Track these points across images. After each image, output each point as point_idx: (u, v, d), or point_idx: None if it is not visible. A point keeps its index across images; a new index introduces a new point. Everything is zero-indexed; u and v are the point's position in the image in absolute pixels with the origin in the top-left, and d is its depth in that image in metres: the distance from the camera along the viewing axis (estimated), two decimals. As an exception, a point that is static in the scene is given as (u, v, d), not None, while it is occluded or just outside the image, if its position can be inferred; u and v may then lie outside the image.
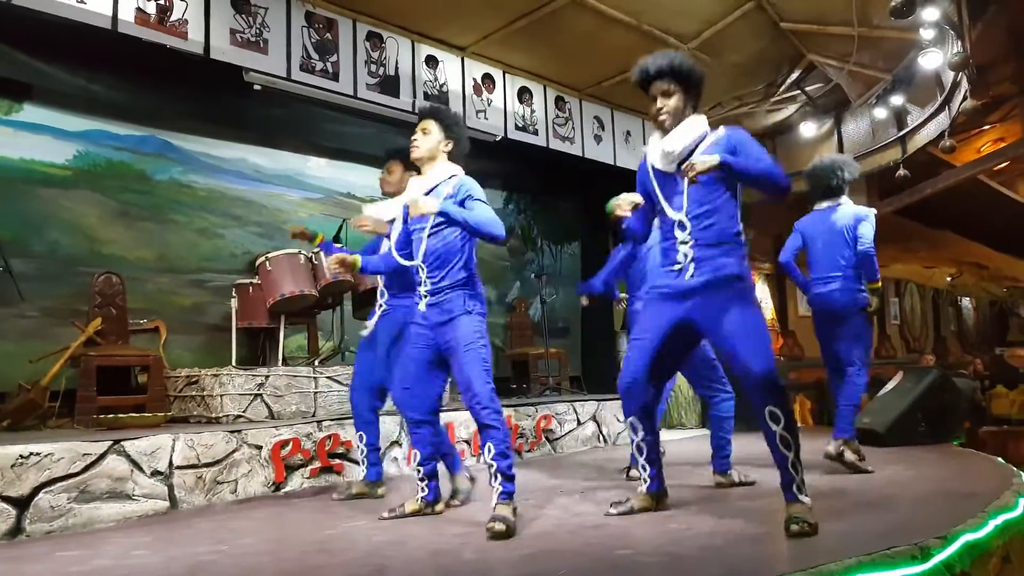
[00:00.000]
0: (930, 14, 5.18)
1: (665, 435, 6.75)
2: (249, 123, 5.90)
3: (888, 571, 2.26)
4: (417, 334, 3.31)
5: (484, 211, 3.15)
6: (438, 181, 3.30)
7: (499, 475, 3.04)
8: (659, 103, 3.01)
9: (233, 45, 4.88)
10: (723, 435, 4.07)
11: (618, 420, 6.30)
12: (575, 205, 8.26)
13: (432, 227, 3.25)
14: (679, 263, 2.95)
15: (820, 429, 7.60)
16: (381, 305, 4.03)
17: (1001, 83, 7.37)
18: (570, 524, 3.08)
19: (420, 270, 3.30)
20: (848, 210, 4.49)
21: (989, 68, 6.98)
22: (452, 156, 3.39)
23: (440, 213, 3.08)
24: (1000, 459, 4.71)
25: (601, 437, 6.20)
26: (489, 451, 3.06)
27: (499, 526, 2.84)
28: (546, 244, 8.42)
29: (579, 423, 6.06)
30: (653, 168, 3.05)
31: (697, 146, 2.96)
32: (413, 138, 3.37)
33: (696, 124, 2.99)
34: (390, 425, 4.76)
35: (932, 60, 5.68)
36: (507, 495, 3.03)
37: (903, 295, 13.48)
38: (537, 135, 6.59)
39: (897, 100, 6.92)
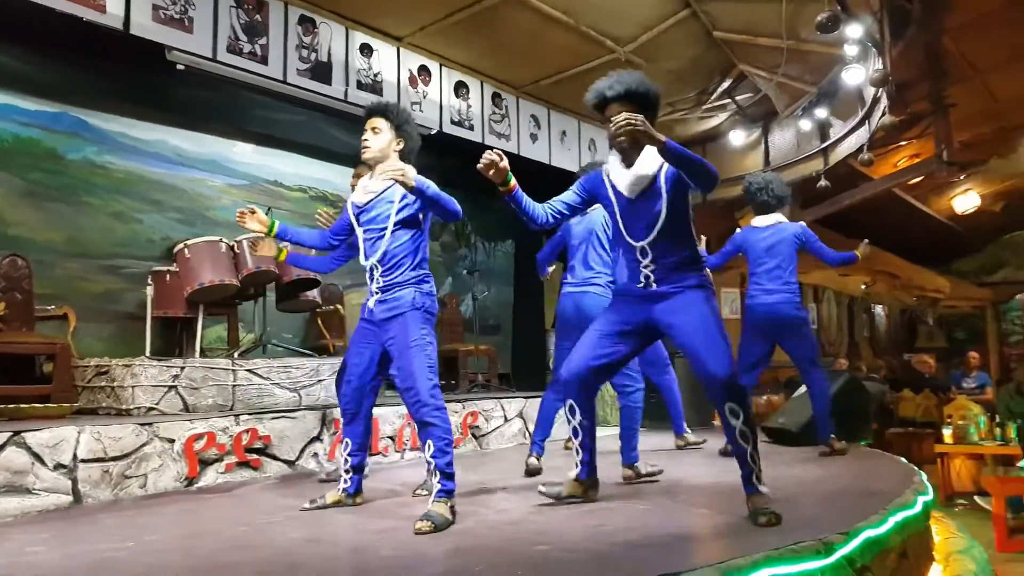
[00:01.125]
0: (854, 31, 5.36)
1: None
2: (172, 104, 5.69)
3: (793, 565, 2.32)
4: (365, 330, 3.30)
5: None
6: (390, 182, 3.24)
7: (438, 472, 3.02)
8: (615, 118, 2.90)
9: (155, 21, 4.70)
10: (632, 426, 4.13)
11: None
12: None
13: (393, 228, 3.21)
14: (642, 283, 3.02)
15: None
16: None
17: (918, 101, 7.68)
18: (491, 520, 3.06)
19: (375, 269, 3.25)
20: (788, 229, 4.87)
21: (907, 86, 7.27)
22: (403, 155, 3.33)
23: (416, 189, 3.05)
24: (903, 459, 4.91)
25: (527, 434, 6.20)
26: (429, 448, 3.04)
27: (425, 525, 2.80)
28: (480, 241, 8.40)
29: (506, 420, 6.05)
30: (615, 192, 3.05)
31: (661, 168, 2.97)
32: (364, 138, 3.30)
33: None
34: (311, 421, 4.66)
35: (855, 76, 5.88)
36: (445, 493, 3.01)
37: (821, 302, 13.94)
38: (473, 130, 6.56)
39: (821, 113, 7.15)
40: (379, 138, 3.29)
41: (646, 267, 3.00)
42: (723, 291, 11.11)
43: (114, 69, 5.23)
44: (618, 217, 3.04)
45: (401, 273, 3.22)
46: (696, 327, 2.91)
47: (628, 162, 3.00)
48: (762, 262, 4.87)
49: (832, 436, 4.82)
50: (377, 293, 3.24)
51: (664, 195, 2.96)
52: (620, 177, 3.01)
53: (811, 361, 4.85)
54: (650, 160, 2.95)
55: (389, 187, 3.26)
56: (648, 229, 2.97)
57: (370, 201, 3.31)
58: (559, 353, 4.32)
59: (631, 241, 3.02)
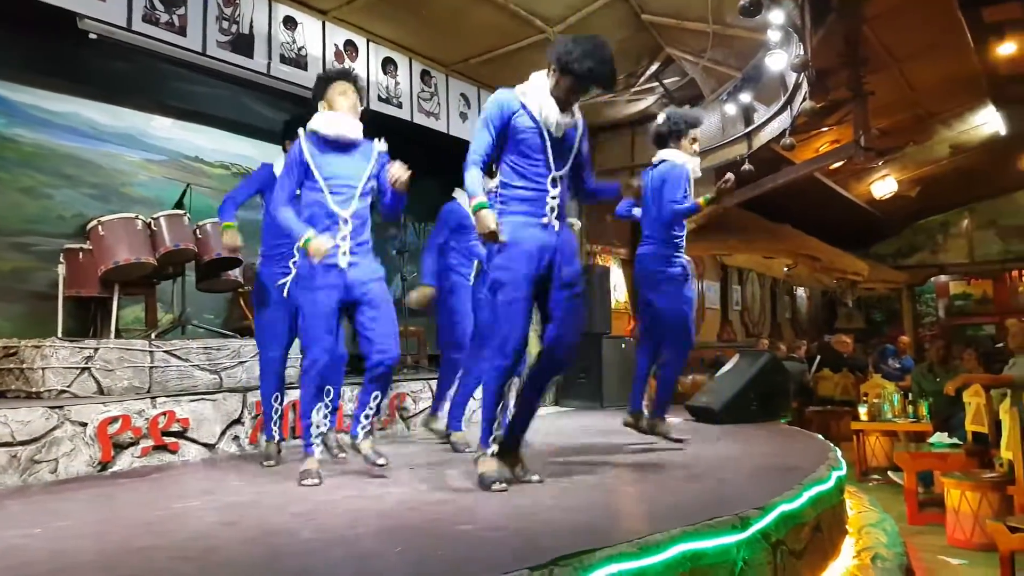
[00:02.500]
0: (776, 16, 5.47)
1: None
2: (85, 75, 5.44)
3: (710, 540, 2.39)
4: (332, 286, 3.39)
5: None
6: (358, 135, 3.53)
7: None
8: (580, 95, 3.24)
9: (66, -13, 4.48)
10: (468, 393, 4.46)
11: (474, 399, 6.33)
12: (440, 183, 8.14)
13: (364, 188, 3.48)
14: (547, 216, 3.18)
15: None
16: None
17: (838, 88, 7.91)
18: (414, 501, 3.05)
19: (345, 223, 3.41)
20: (662, 168, 4.26)
21: (828, 73, 7.48)
22: None
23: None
24: (821, 436, 5.10)
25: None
26: (376, 398, 3.50)
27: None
28: (409, 221, 8.32)
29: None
30: (547, 129, 3.17)
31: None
32: (354, 103, 3.55)
33: None
34: (232, 403, 4.57)
35: (777, 61, 6.00)
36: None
37: (745, 283, 14.31)
38: (401, 108, 6.47)
39: (745, 97, 7.28)
40: (355, 101, 3.57)
41: (553, 198, 3.19)
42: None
43: (23, 37, 4.97)
44: (548, 148, 3.17)
45: (365, 235, 3.50)
46: (574, 279, 3.21)
47: (564, 106, 3.18)
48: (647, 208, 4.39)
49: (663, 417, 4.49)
50: (347, 254, 3.42)
51: (579, 136, 3.29)
52: (551, 113, 3.15)
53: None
54: (578, 113, 3.26)
55: (360, 145, 3.53)
56: (565, 162, 3.23)
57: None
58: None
59: (554, 171, 3.19)
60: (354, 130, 3.53)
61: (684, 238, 4.37)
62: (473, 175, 3.09)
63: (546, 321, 3.25)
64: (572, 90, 3.16)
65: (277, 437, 4.16)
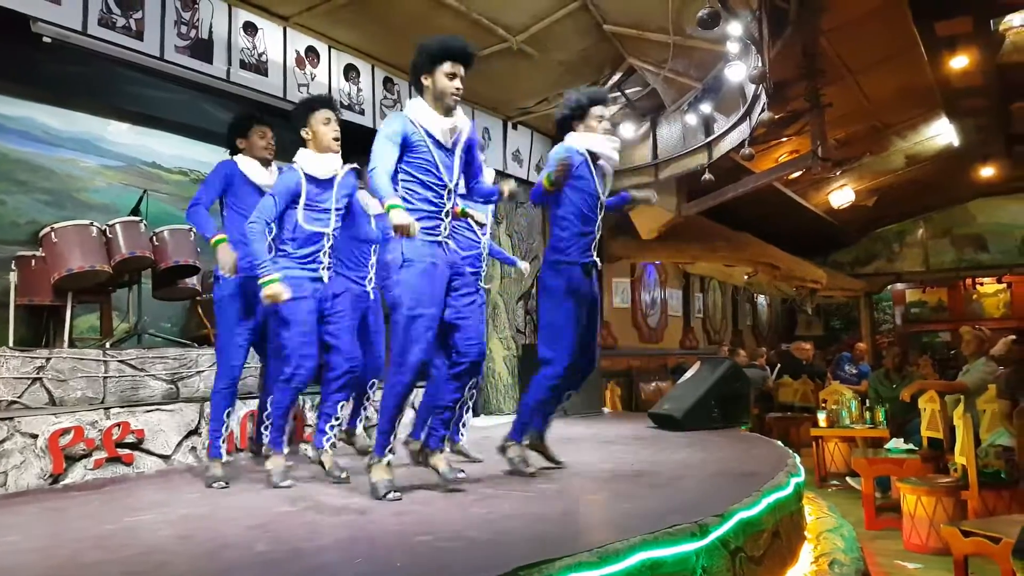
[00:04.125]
0: (734, 28, 5.55)
1: (483, 420, 6.88)
2: (38, 79, 5.30)
3: (669, 548, 2.40)
4: (313, 297, 3.59)
5: None
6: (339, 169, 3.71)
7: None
8: (458, 84, 3.27)
9: (19, -11, 4.38)
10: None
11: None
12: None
13: (340, 206, 3.70)
14: (441, 233, 3.26)
15: (626, 415, 8.01)
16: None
17: (796, 99, 8.05)
18: (373, 512, 3.02)
19: (327, 239, 3.65)
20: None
21: (786, 84, 7.60)
22: None
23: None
24: (780, 443, 5.15)
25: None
26: (342, 407, 3.75)
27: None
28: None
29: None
30: (433, 139, 3.22)
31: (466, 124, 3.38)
32: (336, 129, 3.70)
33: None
34: (189, 413, 4.49)
35: (736, 72, 6.08)
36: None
37: (707, 291, 14.46)
38: (364, 115, 6.43)
39: (706, 108, 7.37)
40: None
41: (446, 214, 3.25)
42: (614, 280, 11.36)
43: (-28, 40, 4.85)
44: (437, 160, 3.22)
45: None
46: (476, 294, 3.39)
47: (447, 113, 3.26)
48: None
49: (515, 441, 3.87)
50: (327, 269, 3.66)
51: (466, 147, 3.37)
52: (436, 124, 3.23)
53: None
54: (462, 117, 3.33)
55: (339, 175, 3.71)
56: (456, 173, 3.30)
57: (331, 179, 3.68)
58: None
59: (447, 181, 3.25)
60: (339, 165, 3.74)
61: (575, 238, 3.77)
62: (385, 179, 3.08)
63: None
64: (441, 80, 3.22)
65: (224, 457, 3.89)
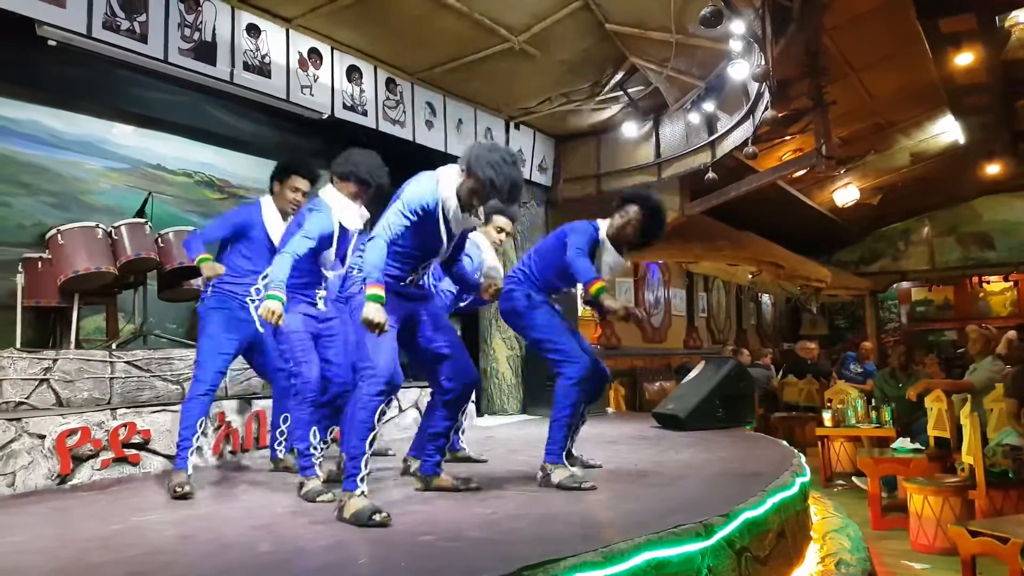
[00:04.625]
0: (737, 26, 5.53)
1: (487, 420, 6.89)
2: (44, 82, 5.32)
3: (674, 547, 2.40)
4: (312, 320, 3.72)
5: None
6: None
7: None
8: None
9: (24, -7, 4.39)
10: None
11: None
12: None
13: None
14: (418, 284, 3.38)
15: (630, 415, 8.01)
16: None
17: (799, 97, 8.01)
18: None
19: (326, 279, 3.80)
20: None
21: (789, 83, 7.57)
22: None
23: None
24: (785, 442, 5.14)
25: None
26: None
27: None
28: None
29: (400, 410, 6.00)
30: (446, 222, 3.21)
31: None
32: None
33: None
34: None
35: (739, 71, 6.06)
36: None
37: (710, 290, 14.42)
38: (366, 116, 6.43)
39: (709, 107, 7.34)
40: None
41: (423, 272, 3.37)
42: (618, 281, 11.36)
43: (-22, 43, 4.87)
44: (443, 237, 3.23)
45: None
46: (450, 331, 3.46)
47: (467, 209, 3.25)
48: None
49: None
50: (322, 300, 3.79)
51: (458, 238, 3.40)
52: (457, 216, 3.22)
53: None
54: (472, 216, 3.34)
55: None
56: (437, 254, 3.33)
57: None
58: None
59: (423, 257, 3.29)
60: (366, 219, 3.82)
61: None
62: (382, 252, 3.09)
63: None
64: (473, 194, 3.20)
65: (191, 471, 3.67)
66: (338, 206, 3.61)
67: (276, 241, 3.88)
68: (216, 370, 3.77)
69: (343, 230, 3.68)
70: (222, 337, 3.79)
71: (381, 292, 2.96)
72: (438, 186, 3.17)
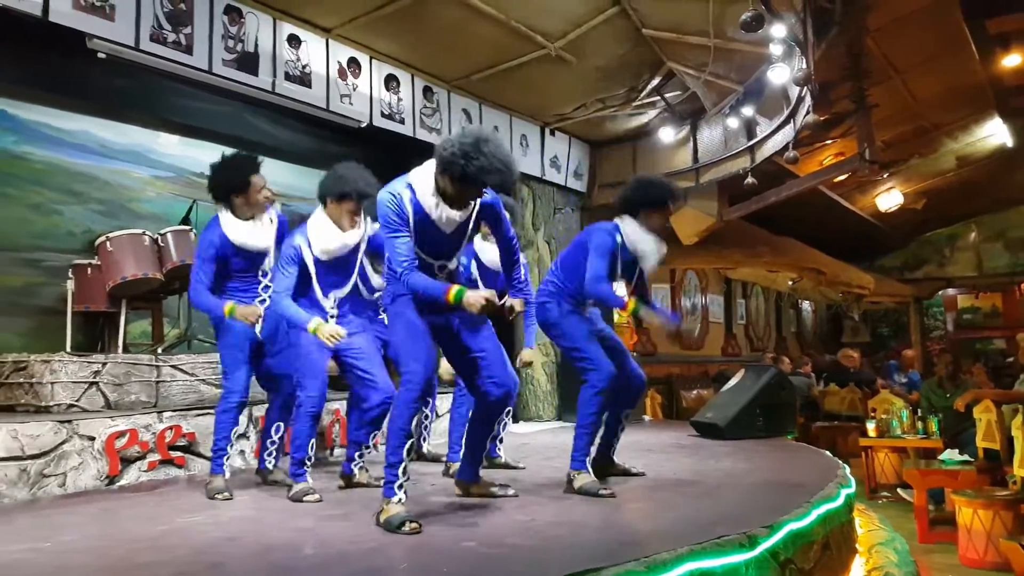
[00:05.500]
0: (778, 30, 5.47)
1: (522, 427, 6.89)
2: (93, 93, 5.48)
3: (717, 559, 2.37)
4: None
5: None
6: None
7: None
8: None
9: (75, 8, 4.50)
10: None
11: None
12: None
13: None
14: None
15: (667, 423, 7.95)
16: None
17: (841, 100, 7.91)
18: (416, 517, 3.05)
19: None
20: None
21: (831, 86, 7.48)
22: None
23: None
24: (828, 453, 5.06)
25: (459, 430, 6.19)
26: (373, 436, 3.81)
27: None
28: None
29: (436, 416, 6.02)
30: (435, 223, 3.10)
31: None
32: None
33: None
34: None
35: (780, 74, 5.99)
36: None
37: (749, 297, 14.26)
38: (404, 124, 6.50)
39: (748, 111, 7.27)
40: None
41: (449, 271, 3.26)
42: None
43: (33, 57, 5.02)
44: (442, 232, 3.13)
45: None
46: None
47: (456, 206, 3.10)
48: None
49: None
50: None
51: (469, 230, 3.24)
52: (444, 214, 3.09)
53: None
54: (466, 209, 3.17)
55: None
56: (449, 254, 3.22)
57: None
58: None
59: (432, 259, 3.17)
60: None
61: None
62: (417, 277, 3.03)
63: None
64: (455, 187, 3.05)
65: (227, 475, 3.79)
66: (327, 230, 3.66)
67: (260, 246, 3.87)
68: (245, 377, 3.79)
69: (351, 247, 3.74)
70: (244, 345, 3.79)
71: (456, 288, 2.98)
72: (409, 188, 3.08)
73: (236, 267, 3.82)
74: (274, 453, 4.08)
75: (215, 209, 3.92)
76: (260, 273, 3.90)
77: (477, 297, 2.94)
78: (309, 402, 3.63)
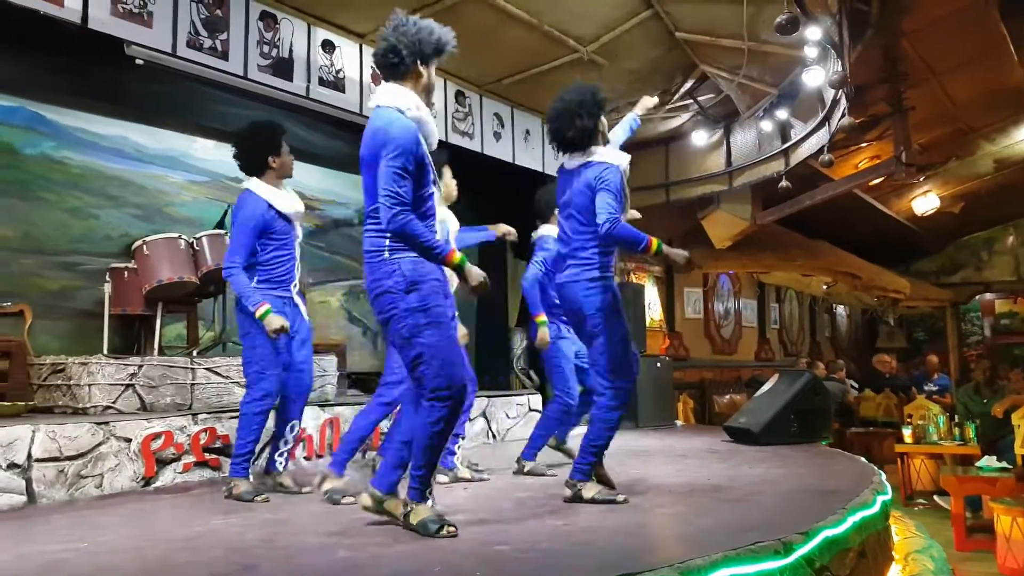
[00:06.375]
0: (813, 33, 5.42)
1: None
2: (129, 99, 5.57)
3: (752, 565, 2.34)
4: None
5: None
6: None
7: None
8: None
9: (114, 16, 4.60)
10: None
11: (508, 416, 6.34)
12: (473, 201, 8.18)
13: None
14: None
15: (699, 428, 7.88)
16: None
17: (877, 103, 7.81)
18: (451, 520, 3.05)
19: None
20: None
21: (867, 88, 7.39)
22: None
23: None
24: (863, 459, 4.99)
25: (490, 433, 6.21)
26: None
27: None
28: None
29: (469, 419, 6.04)
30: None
31: None
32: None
33: None
34: (271, 419, 4.60)
35: (814, 77, 5.95)
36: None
37: (783, 301, 14.12)
38: (435, 128, 6.53)
39: (782, 114, 7.22)
40: None
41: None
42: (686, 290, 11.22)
43: (72, 63, 5.11)
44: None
45: None
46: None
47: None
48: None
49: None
50: None
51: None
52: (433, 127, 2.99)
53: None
54: None
55: None
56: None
57: None
58: None
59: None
60: None
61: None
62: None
63: None
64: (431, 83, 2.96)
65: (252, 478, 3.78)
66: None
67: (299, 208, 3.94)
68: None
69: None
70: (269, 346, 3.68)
71: (457, 255, 2.77)
72: (407, 117, 2.83)
73: (280, 231, 3.78)
74: (285, 454, 3.94)
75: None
76: (296, 241, 3.90)
77: (480, 273, 2.81)
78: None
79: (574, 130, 3.43)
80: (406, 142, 2.75)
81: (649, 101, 4.13)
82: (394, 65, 2.91)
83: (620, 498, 3.33)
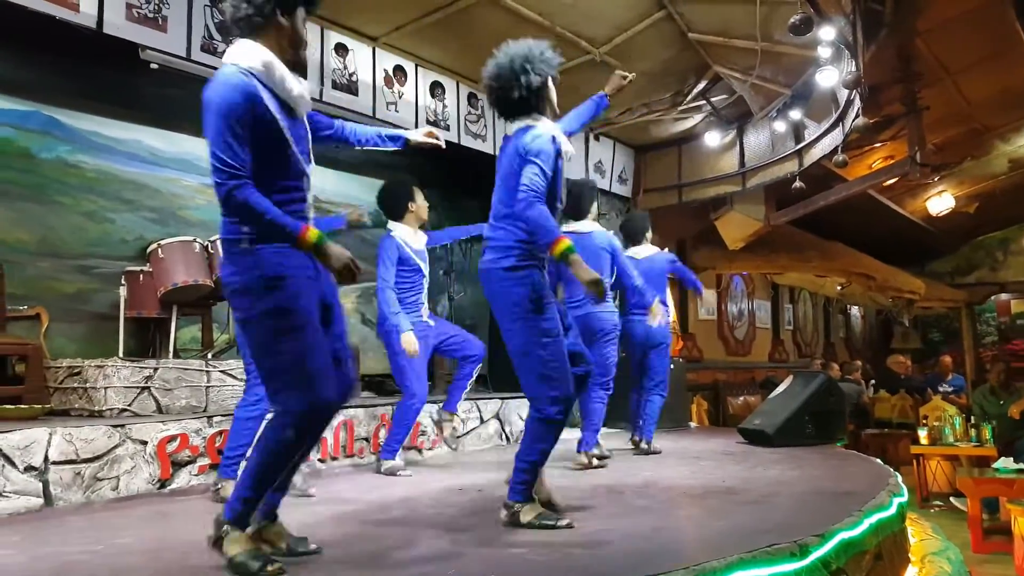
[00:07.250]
0: (826, 33, 5.39)
1: (566, 433, 6.86)
2: (144, 103, 5.63)
3: (768, 567, 2.34)
4: None
5: None
6: None
7: None
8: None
9: (129, 20, 4.63)
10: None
11: (521, 418, 6.33)
12: (485, 204, 8.20)
13: None
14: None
15: (713, 430, 7.86)
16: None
17: (891, 103, 7.76)
18: (464, 523, 3.06)
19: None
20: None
21: (881, 88, 7.34)
22: None
23: None
24: (879, 460, 4.96)
25: (504, 436, 6.21)
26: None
27: None
28: (456, 241, 8.37)
29: (482, 421, 6.05)
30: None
31: None
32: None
33: None
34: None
35: (828, 77, 5.92)
36: None
37: (796, 302, 14.05)
38: (449, 131, 6.54)
39: (795, 114, 7.19)
40: None
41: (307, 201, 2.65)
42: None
43: (87, 68, 5.16)
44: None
45: None
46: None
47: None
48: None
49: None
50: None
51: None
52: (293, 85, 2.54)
53: None
54: None
55: None
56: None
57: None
58: None
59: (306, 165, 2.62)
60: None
61: None
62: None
63: None
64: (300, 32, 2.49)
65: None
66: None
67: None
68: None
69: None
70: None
71: (313, 233, 2.36)
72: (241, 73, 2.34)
73: (409, 267, 4.49)
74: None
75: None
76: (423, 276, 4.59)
77: (343, 253, 2.38)
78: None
79: (519, 89, 3.03)
80: (225, 101, 2.26)
81: (617, 79, 3.82)
82: (246, 18, 2.40)
83: (563, 523, 2.85)
